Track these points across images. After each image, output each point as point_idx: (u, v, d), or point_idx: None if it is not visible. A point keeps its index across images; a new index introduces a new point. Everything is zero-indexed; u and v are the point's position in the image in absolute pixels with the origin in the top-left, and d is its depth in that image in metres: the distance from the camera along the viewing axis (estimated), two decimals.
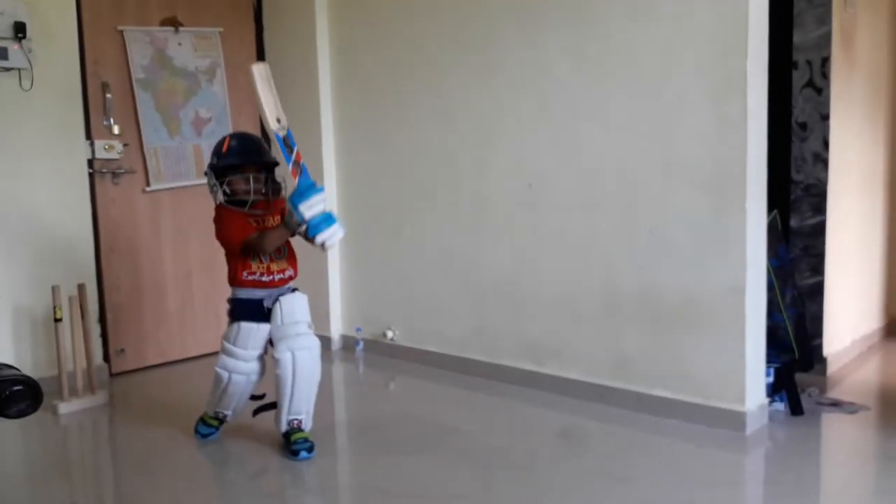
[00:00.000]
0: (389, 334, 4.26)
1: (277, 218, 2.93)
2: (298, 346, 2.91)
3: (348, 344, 4.45)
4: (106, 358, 4.07)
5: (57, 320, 3.56)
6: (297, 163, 2.80)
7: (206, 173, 2.98)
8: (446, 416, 3.42)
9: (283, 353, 2.90)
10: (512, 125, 3.64)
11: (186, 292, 4.32)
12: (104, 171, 4.02)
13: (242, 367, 2.96)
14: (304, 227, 2.80)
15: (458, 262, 3.93)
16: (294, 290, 3.03)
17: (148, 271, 4.21)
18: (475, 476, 2.78)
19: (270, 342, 2.96)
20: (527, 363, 3.68)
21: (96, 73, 3.99)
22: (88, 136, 3.96)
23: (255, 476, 2.95)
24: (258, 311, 2.93)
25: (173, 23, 4.23)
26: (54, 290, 3.57)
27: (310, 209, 2.74)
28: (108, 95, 3.99)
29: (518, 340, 3.71)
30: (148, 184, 4.14)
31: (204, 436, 3.13)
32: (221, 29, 4.40)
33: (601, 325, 3.40)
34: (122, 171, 4.07)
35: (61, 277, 3.70)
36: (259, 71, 2.83)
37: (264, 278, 2.93)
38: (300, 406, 2.96)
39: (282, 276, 2.97)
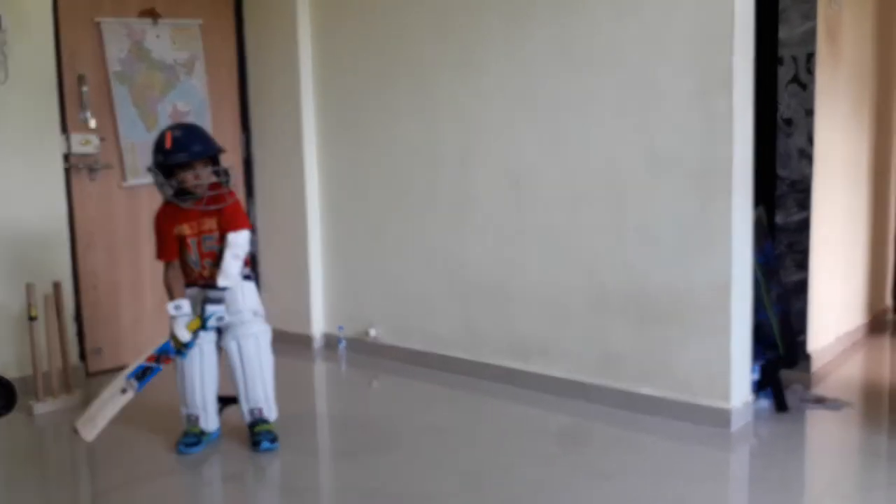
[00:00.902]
0: (372, 332, 4.21)
1: (214, 221, 2.91)
2: (242, 333, 2.95)
3: (330, 342, 4.41)
4: (82, 357, 4.00)
5: (32, 319, 3.50)
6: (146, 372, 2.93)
7: (150, 170, 2.91)
8: (430, 415, 3.39)
9: (229, 343, 2.95)
10: (497, 120, 3.61)
11: (164, 290, 4.23)
12: (80, 165, 3.94)
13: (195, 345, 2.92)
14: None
15: (442, 259, 3.89)
16: (246, 276, 3.02)
17: (125, 269, 4.14)
18: (460, 475, 2.76)
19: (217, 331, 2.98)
20: (512, 361, 3.65)
21: (72, 66, 3.91)
22: (64, 130, 3.88)
23: (232, 476, 2.91)
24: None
25: (152, 14, 4.15)
26: (29, 287, 3.50)
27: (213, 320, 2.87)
28: (85, 89, 3.92)
29: (503, 338, 3.68)
30: (125, 179, 4.07)
31: (185, 448, 2.98)
32: (201, 21, 4.33)
33: (587, 322, 3.39)
34: (98, 165, 3.99)
35: (36, 275, 3.63)
36: (85, 431, 2.88)
37: (199, 282, 2.96)
38: (256, 394, 2.97)
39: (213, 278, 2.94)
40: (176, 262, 2.97)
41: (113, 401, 2.88)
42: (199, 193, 2.89)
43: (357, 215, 4.27)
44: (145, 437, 3.16)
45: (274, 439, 2.95)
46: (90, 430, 2.86)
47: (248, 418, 2.99)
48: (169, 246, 2.95)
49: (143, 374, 2.88)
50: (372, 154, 4.15)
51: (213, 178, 2.90)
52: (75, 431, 2.86)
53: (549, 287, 3.49)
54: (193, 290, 2.97)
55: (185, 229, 2.92)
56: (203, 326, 2.87)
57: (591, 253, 3.34)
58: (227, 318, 2.90)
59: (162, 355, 2.88)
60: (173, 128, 2.96)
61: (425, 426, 3.25)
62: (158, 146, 2.87)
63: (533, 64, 3.45)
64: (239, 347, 2.94)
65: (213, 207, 2.92)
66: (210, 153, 2.91)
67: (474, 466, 2.83)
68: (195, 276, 2.96)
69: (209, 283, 2.92)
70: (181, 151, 2.82)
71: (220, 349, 3.03)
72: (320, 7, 4.27)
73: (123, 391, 2.88)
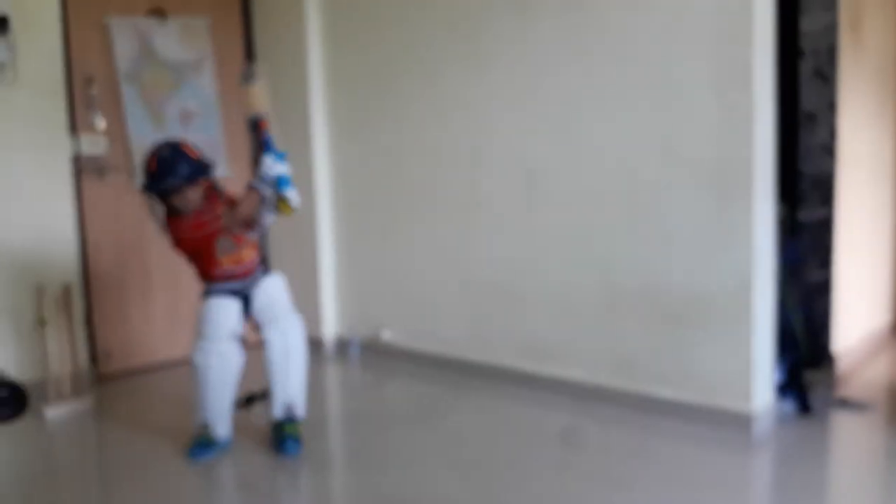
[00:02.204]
0: (385, 335, 4.16)
1: (220, 208, 2.87)
2: (288, 325, 2.95)
3: (342, 345, 4.36)
4: (93, 360, 3.98)
5: (42, 322, 3.48)
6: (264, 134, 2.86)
7: (141, 191, 2.87)
8: (443, 419, 3.34)
9: (273, 334, 2.92)
10: (508, 117, 3.55)
11: (174, 292, 4.22)
12: (89, 167, 3.92)
13: (218, 346, 2.88)
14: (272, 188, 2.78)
15: (454, 260, 3.84)
16: (267, 272, 3.02)
17: (135, 271, 4.11)
18: (472, 481, 2.71)
19: (255, 327, 2.93)
20: (526, 363, 3.59)
21: (81, 67, 3.89)
22: (73, 131, 3.86)
23: (244, 480, 2.87)
24: (231, 294, 2.91)
25: (159, 12, 4.12)
26: (39, 291, 3.48)
27: (284, 168, 2.80)
28: (93, 90, 3.89)
29: (516, 340, 3.63)
30: (134, 179, 4.04)
31: (198, 453, 2.93)
32: (209, 19, 4.29)
33: (602, 323, 3.32)
34: (107, 167, 3.96)
35: (46, 278, 3.62)
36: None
37: (237, 270, 2.91)
38: (294, 388, 2.96)
39: (252, 263, 2.95)
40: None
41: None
42: (190, 210, 2.84)
43: (367, 215, 4.22)
44: (156, 441, 3.13)
45: (298, 442, 2.93)
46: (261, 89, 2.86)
47: (279, 413, 2.96)
48: (201, 229, 2.86)
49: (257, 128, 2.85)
50: (382, 153, 4.10)
51: (201, 196, 2.85)
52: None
53: (563, 288, 3.43)
54: (237, 284, 2.91)
55: (201, 232, 2.87)
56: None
57: (606, 252, 3.28)
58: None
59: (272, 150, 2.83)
60: (159, 146, 2.85)
61: (438, 431, 3.20)
62: (145, 169, 2.81)
63: (544, 59, 3.39)
64: (285, 339, 2.93)
65: (210, 212, 2.89)
66: (195, 175, 2.82)
67: (487, 471, 2.78)
68: (232, 260, 2.89)
69: (248, 272, 2.92)
70: (167, 176, 2.75)
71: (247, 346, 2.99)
72: (329, 4, 4.23)
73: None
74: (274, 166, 2.77)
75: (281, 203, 2.80)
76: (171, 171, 2.76)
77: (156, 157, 2.79)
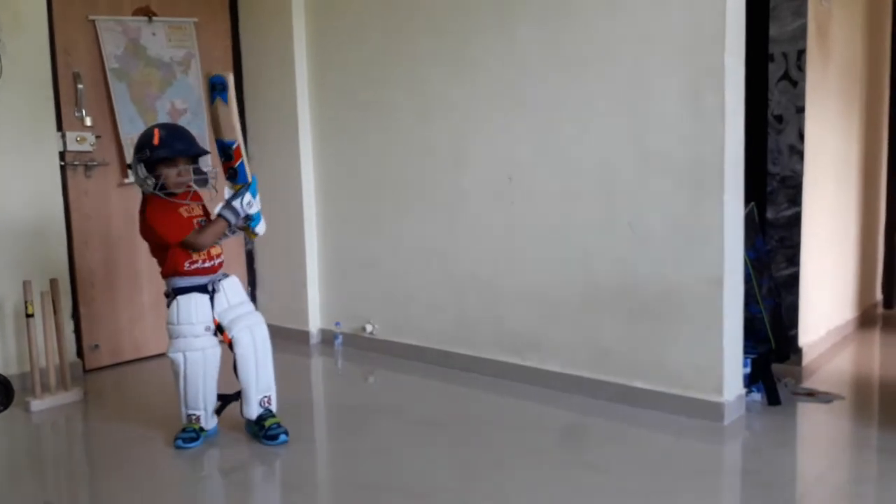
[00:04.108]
0: (369, 328, 4.23)
1: (200, 210, 2.98)
2: (254, 322, 2.98)
3: (327, 338, 4.42)
4: (80, 354, 4.00)
5: (29, 316, 3.50)
6: (238, 161, 2.89)
7: (130, 166, 2.96)
8: (427, 410, 3.40)
9: (242, 332, 2.95)
10: (489, 117, 3.62)
11: (161, 286, 4.21)
12: (76, 163, 3.95)
13: (194, 342, 2.91)
14: (244, 222, 2.91)
15: (437, 255, 3.91)
16: (225, 274, 3.06)
17: (122, 266, 4.14)
18: (454, 469, 2.76)
19: (218, 328, 2.96)
20: (506, 356, 3.67)
21: (68, 64, 3.91)
22: (60, 127, 3.88)
23: (230, 471, 2.91)
24: (199, 290, 2.95)
25: (146, 12, 4.16)
26: (26, 284, 3.50)
27: (258, 205, 2.90)
28: (80, 86, 3.92)
29: (497, 333, 3.71)
30: (125, 176, 4.07)
31: (184, 443, 2.98)
32: (196, 19, 4.33)
33: (580, 317, 3.41)
34: (94, 163, 4.00)
35: (33, 272, 3.64)
36: (231, 90, 2.87)
37: (206, 264, 2.96)
38: (268, 382, 3.01)
39: (220, 259, 3.01)
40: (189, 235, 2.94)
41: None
42: (178, 192, 2.90)
43: (353, 212, 4.28)
44: (143, 435, 3.16)
45: (287, 431, 2.98)
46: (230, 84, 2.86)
47: (256, 410, 2.98)
48: (182, 220, 2.90)
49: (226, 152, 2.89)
50: (367, 151, 4.16)
51: (193, 179, 2.91)
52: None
53: (542, 283, 3.51)
54: (205, 279, 2.95)
55: (184, 212, 2.92)
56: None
57: (584, 249, 3.36)
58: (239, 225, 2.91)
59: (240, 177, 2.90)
60: (160, 125, 2.98)
61: (420, 420, 3.26)
62: (144, 142, 2.88)
63: (525, 61, 3.46)
64: (253, 336, 2.96)
65: (187, 202, 2.95)
66: (195, 152, 2.94)
67: (469, 460, 2.83)
68: (203, 258, 2.94)
69: (216, 267, 2.98)
70: (166, 147, 2.84)
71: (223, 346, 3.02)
72: (315, 5, 4.27)
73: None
74: (252, 204, 2.88)
75: (247, 231, 2.96)
76: (169, 143, 2.84)
77: (157, 131, 2.88)
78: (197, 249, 2.91)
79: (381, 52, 4.02)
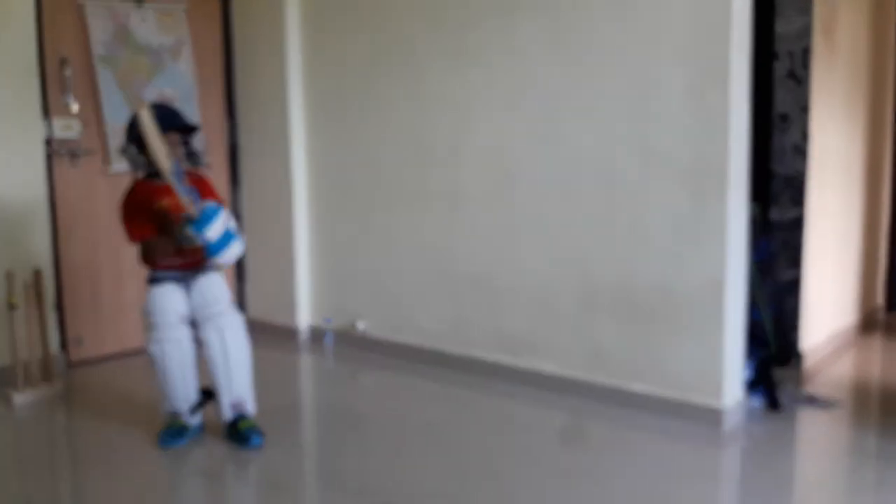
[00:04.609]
0: (360, 325, 4.16)
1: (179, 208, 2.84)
2: (224, 324, 2.90)
3: (317, 335, 4.35)
4: (63, 346, 3.93)
5: (12, 307, 3.43)
6: (192, 190, 2.77)
7: (123, 150, 2.90)
8: (419, 411, 3.35)
9: (210, 334, 2.88)
10: (488, 112, 3.56)
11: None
12: (62, 151, 3.86)
13: (169, 333, 2.86)
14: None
15: (431, 251, 3.85)
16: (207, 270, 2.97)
17: (107, 256, 4.06)
18: (447, 472, 2.72)
19: (192, 324, 2.92)
20: (501, 356, 3.61)
21: (55, 49, 3.82)
22: (46, 114, 3.79)
23: (215, 472, 2.86)
24: (173, 281, 2.91)
25: None
26: (8, 275, 3.43)
27: (214, 231, 2.73)
28: (67, 72, 3.83)
29: (492, 333, 3.65)
30: (109, 164, 3.98)
31: (169, 441, 2.92)
32: (186, 6, 4.24)
33: (577, 318, 3.35)
34: (80, 151, 3.91)
35: (16, 262, 3.56)
36: (146, 115, 2.74)
37: (182, 259, 2.89)
38: (240, 386, 2.92)
39: (199, 254, 2.86)
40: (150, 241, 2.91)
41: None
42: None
43: (345, 205, 4.21)
44: (126, 429, 3.10)
45: (261, 433, 2.91)
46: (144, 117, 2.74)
47: (229, 414, 2.92)
48: (145, 224, 2.89)
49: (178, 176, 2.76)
50: (361, 142, 4.09)
51: (185, 156, 2.90)
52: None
53: (540, 282, 3.45)
54: (177, 273, 2.91)
55: (167, 203, 2.85)
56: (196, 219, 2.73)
57: (583, 248, 3.31)
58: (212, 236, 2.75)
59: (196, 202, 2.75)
60: (149, 104, 2.94)
61: (412, 422, 3.21)
62: (133, 119, 2.84)
63: (525, 56, 3.40)
64: (222, 338, 2.89)
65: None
66: (184, 126, 2.92)
67: (462, 463, 2.80)
68: (176, 251, 2.87)
69: (192, 264, 2.88)
70: (156, 121, 2.78)
71: (198, 343, 2.96)
72: None
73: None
74: (215, 228, 2.72)
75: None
76: (158, 118, 2.77)
77: (146, 107, 2.82)
78: (151, 259, 2.91)
79: (377, 42, 3.95)
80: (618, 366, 3.25)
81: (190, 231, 2.70)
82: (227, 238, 2.77)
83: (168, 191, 2.82)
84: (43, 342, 3.53)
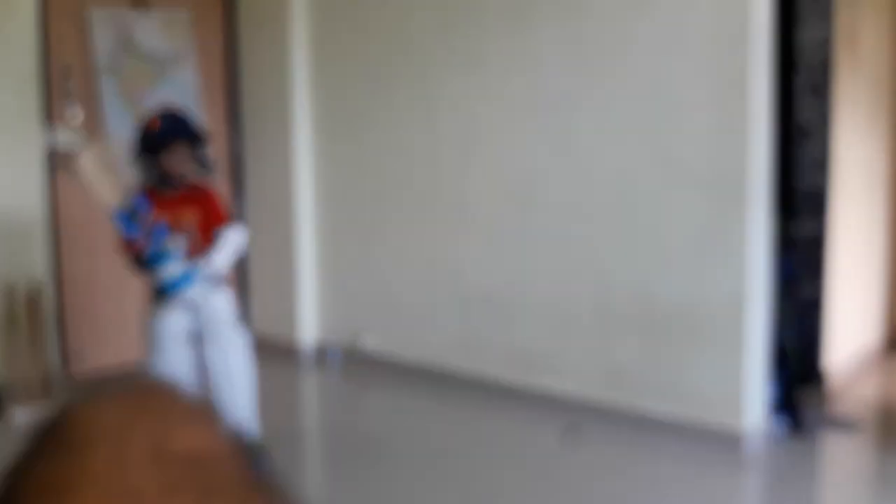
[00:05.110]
0: (367, 342, 4.07)
1: (193, 213, 2.84)
2: (227, 343, 2.86)
3: (322, 352, 4.27)
4: (63, 361, 3.87)
5: (12, 321, 3.39)
6: (155, 227, 2.74)
7: (132, 159, 2.86)
8: (428, 431, 3.28)
9: (214, 354, 2.85)
10: (500, 123, 3.51)
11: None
12: (64, 162, 3.81)
13: (168, 357, 2.83)
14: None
15: (441, 266, 3.77)
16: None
17: (108, 269, 3.99)
18: (457, 496, 2.65)
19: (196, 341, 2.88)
20: (513, 374, 3.53)
21: (58, 58, 3.79)
22: (48, 124, 3.75)
23: None
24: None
25: (141, 3, 4.04)
26: (8, 290, 3.39)
27: (169, 272, 2.73)
28: (70, 82, 3.79)
29: (504, 350, 3.57)
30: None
31: None
32: (191, 13, 4.21)
33: (593, 335, 3.28)
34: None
35: (17, 275, 3.52)
36: (87, 162, 2.74)
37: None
38: (243, 408, 2.87)
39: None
40: None
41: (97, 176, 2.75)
42: (180, 179, 2.83)
43: (351, 217, 4.14)
44: None
45: (265, 454, 2.84)
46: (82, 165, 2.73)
47: None
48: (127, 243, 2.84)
49: (128, 217, 2.71)
50: (368, 152, 4.03)
51: (195, 166, 2.86)
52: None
53: (554, 298, 3.38)
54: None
55: (164, 216, 2.81)
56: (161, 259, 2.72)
57: (599, 262, 3.24)
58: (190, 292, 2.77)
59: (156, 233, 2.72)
60: (159, 113, 2.93)
61: (420, 443, 3.14)
62: (145, 129, 2.83)
63: (541, 66, 3.35)
64: (226, 359, 2.84)
65: (193, 194, 2.86)
66: (195, 135, 2.88)
67: (472, 486, 2.73)
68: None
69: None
70: (166, 133, 2.79)
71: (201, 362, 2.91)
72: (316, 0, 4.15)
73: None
74: (169, 271, 2.72)
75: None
76: (169, 128, 2.78)
77: (157, 117, 2.85)
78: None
79: (385, 51, 3.89)
80: (635, 385, 3.17)
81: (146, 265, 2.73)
82: (184, 279, 2.74)
83: (169, 204, 2.80)
84: (43, 357, 3.48)
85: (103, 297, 4.00)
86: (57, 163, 3.78)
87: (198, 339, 2.88)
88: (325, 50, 4.14)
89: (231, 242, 2.85)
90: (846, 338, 3.77)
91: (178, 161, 2.80)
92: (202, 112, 4.21)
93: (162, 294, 2.79)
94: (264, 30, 4.30)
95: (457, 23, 3.60)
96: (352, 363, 4.13)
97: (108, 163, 2.82)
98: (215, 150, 4.29)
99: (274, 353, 4.14)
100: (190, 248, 2.83)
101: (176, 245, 2.74)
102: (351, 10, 4.02)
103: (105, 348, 4.02)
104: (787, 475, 2.83)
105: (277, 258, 4.38)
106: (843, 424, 3.17)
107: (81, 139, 2.74)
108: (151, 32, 4.08)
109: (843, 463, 3.01)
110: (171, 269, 2.73)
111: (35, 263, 3.69)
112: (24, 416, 3.35)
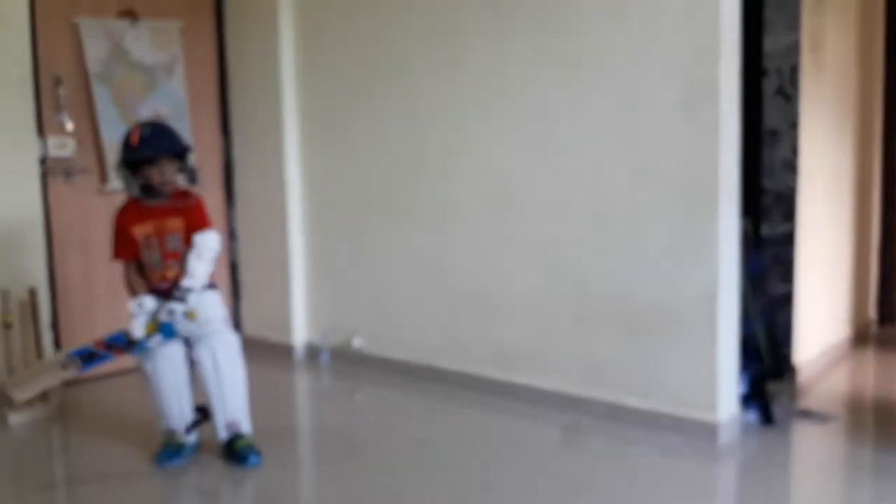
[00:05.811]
0: (356, 342, 4.15)
1: (180, 221, 2.89)
2: (217, 343, 2.88)
3: (313, 352, 4.34)
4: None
5: (7, 326, 3.42)
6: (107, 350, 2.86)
7: (116, 169, 2.93)
8: (415, 428, 3.34)
9: (202, 353, 2.87)
10: (482, 127, 3.58)
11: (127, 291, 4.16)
12: (57, 169, 3.86)
13: (161, 351, 2.87)
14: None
15: (427, 268, 3.85)
16: (211, 285, 2.98)
17: (103, 275, 4.04)
18: (445, 489, 2.72)
19: (186, 342, 2.93)
20: (497, 372, 3.61)
21: (49, 67, 3.83)
22: (40, 132, 3.79)
23: (211, 491, 2.85)
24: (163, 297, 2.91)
25: (130, 15, 4.08)
26: (4, 294, 3.42)
27: (153, 344, 2.84)
28: (62, 90, 3.84)
29: (488, 348, 3.65)
30: (106, 182, 3.97)
31: (166, 460, 2.91)
32: (181, 23, 4.26)
33: (573, 333, 3.36)
34: (75, 169, 3.91)
35: (11, 281, 3.55)
36: (21, 394, 2.88)
37: (162, 285, 2.89)
38: (234, 406, 2.91)
39: (177, 280, 2.88)
40: (133, 263, 2.95)
41: (51, 373, 2.86)
42: (165, 191, 2.88)
43: (340, 221, 4.21)
44: (123, 449, 3.09)
45: (258, 452, 2.90)
46: (20, 393, 2.84)
47: (224, 434, 2.91)
48: (128, 245, 2.93)
49: (89, 357, 2.82)
50: (355, 158, 4.10)
51: (179, 176, 2.90)
52: (5, 394, 2.84)
53: (535, 297, 3.46)
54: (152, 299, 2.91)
55: (148, 228, 2.89)
56: (159, 329, 2.80)
57: (577, 263, 3.32)
58: (183, 326, 2.84)
59: (114, 345, 2.82)
60: (142, 124, 2.96)
61: (410, 439, 3.20)
62: (125, 142, 2.86)
63: (520, 73, 3.42)
64: (214, 358, 2.87)
65: (178, 204, 2.91)
66: (176, 149, 2.90)
67: (459, 480, 2.79)
68: (157, 278, 2.90)
69: (172, 286, 2.87)
70: (148, 147, 2.82)
71: (191, 362, 2.96)
72: (302, 9, 4.21)
73: (65, 367, 2.83)
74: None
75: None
76: (150, 142, 2.81)
77: (138, 130, 2.87)
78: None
79: (370, 57, 3.96)
80: (613, 380, 3.25)
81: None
82: (168, 334, 2.83)
83: (154, 214, 2.86)
84: (38, 361, 3.47)
85: (98, 302, 4.03)
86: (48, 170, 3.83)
87: (188, 339, 2.93)
88: (312, 59, 4.20)
89: (208, 248, 2.87)
90: (815, 333, 3.87)
91: (161, 173, 2.84)
92: (192, 120, 4.27)
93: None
94: (253, 39, 4.35)
95: (438, 33, 3.68)
96: (342, 363, 4.21)
97: (38, 370, 2.94)
98: (207, 157, 4.37)
99: (265, 353, 4.20)
100: (178, 256, 2.89)
101: (135, 321, 2.81)
102: (337, 21, 4.08)
103: None
104: (760, 464, 2.92)
105: (268, 261, 4.44)
106: (813, 416, 3.27)
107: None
108: (142, 42, 4.11)
109: (813, 453, 3.09)
110: (152, 341, 2.81)
111: (30, 268, 3.72)
112: (20, 420, 3.39)
